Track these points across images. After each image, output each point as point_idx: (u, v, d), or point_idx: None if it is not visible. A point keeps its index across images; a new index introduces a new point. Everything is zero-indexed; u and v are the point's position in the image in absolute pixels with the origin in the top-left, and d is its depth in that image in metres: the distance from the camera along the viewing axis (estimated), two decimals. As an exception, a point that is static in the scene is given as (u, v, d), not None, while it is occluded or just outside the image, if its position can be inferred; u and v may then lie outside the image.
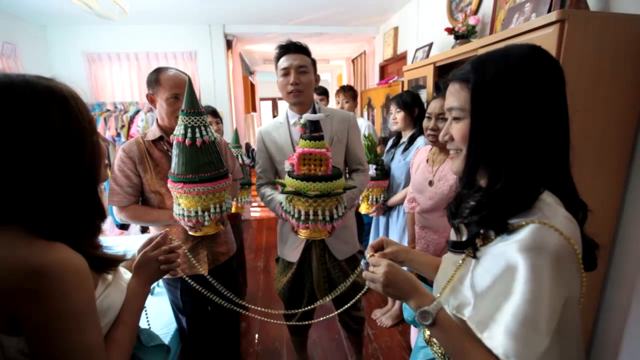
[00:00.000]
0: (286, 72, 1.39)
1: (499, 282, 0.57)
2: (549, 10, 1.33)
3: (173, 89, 1.26)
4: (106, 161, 0.71)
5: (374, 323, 2.31)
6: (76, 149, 0.60)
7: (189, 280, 1.04)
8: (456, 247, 0.68)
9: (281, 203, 1.20)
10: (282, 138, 1.46)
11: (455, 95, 0.65)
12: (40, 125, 0.56)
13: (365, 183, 1.54)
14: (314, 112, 1.26)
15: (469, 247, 0.64)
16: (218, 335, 1.56)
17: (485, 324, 0.58)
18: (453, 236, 0.76)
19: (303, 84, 1.39)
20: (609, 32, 1.13)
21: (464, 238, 0.66)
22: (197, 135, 1.05)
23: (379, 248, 0.87)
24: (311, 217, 1.09)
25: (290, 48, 1.41)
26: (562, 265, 0.54)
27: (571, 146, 0.62)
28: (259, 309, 1.13)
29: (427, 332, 0.81)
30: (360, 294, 1.01)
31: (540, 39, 1.18)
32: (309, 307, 1.24)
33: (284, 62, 1.40)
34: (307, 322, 1.31)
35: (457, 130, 0.66)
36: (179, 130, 1.06)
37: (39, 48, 3.37)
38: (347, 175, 1.55)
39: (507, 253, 0.56)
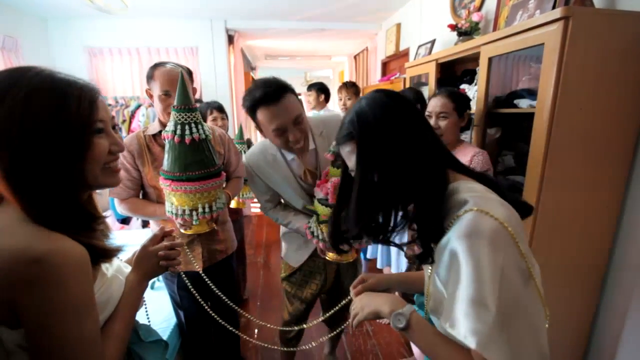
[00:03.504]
0: (282, 132, 1.12)
1: (451, 272, 0.61)
2: (553, 7, 1.31)
3: (164, 86, 1.24)
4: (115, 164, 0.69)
5: (373, 320, 2.32)
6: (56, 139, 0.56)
7: (184, 278, 1.03)
8: (421, 260, 0.72)
9: (309, 227, 1.21)
10: (281, 174, 1.27)
11: (350, 157, 0.70)
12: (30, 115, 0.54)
13: None
14: (315, 144, 1.20)
15: (430, 257, 0.69)
16: (217, 329, 1.56)
17: (447, 313, 0.60)
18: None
19: (304, 133, 1.17)
20: (613, 29, 1.12)
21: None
22: (187, 132, 1.01)
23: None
24: None
25: (273, 97, 1.07)
26: (498, 245, 0.57)
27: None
28: (252, 318, 1.19)
29: None
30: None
31: (544, 36, 1.17)
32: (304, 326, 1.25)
33: (273, 119, 1.09)
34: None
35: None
36: (169, 126, 1.03)
37: (40, 42, 3.36)
38: None
39: (449, 243, 0.61)
